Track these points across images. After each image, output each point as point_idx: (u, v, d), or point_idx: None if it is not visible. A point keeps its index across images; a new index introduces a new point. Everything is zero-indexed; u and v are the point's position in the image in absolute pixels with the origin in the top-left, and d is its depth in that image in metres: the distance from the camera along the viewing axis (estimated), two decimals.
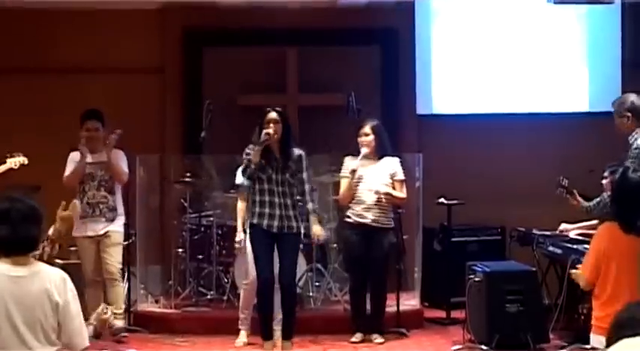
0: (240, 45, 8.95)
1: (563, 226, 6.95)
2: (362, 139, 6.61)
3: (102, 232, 6.74)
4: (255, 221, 6.17)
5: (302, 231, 6.25)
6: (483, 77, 9.02)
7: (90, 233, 6.75)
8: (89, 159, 6.73)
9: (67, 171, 6.81)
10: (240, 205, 6.49)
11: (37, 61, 8.73)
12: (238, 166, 6.64)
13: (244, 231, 6.40)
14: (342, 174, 6.71)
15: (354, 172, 6.53)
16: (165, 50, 9.02)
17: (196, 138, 7.64)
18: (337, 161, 6.97)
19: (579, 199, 6.79)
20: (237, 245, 6.54)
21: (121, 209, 6.86)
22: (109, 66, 8.85)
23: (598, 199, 6.57)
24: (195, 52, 9.01)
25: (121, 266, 6.85)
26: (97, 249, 6.76)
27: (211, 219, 7.82)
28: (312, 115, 8.70)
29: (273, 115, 6.23)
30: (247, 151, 6.22)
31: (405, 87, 8.97)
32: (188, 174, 7.78)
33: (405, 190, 6.72)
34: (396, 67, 9.00)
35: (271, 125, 6.18)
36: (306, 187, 6.23)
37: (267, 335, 6.26)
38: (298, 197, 6.29)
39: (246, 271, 6.60)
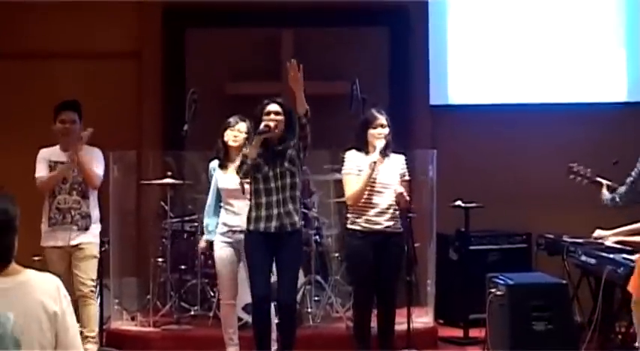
0: (228, 26, 8.95)
1: (598, 232, 6.93)
2: (378, 132, 6.56)
3: (74, 243, 6.60)
4: (251, 227, 6.17)
5: (298, 227, 6.23)
6: (506, 63, 9.01)
7: (60, 243, 6.60)
8: (62, 158, 6.62)
9: (40, 172, 6.64)
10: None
11: None
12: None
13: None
14: (346, 171, 6.66)
15: (375, 164, 6.45)
16: (142, 32, 9.02)
17: (178, 132, 7.62)
18: (339, 158, 6.94)
19: (603, 182, 6.92)
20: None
21: (95, 216, 6.72)
22: (78, 50, 8.87)
23: (624, 187, 6.67)
24: (176, 34, 9.02)
25: (94, 283, 6.72)
26: (68, 263, 6.62)
27: (195, 224, 7.81)
28: (311, 106, 8.62)
29: (274, 106, 6.22)
30: (244, 150, 6.23)
31: (417, 74, 8.97)
32: (169, 173, 7.77)
33: (409, 192, 6.66)
34: (406, 51, 9.00)
35: (272, 117, 6.16)
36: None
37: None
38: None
39: (222, 287, 6.63)
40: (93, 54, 8.87)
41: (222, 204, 6.60)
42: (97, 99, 8.33)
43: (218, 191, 6.66)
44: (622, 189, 6.79)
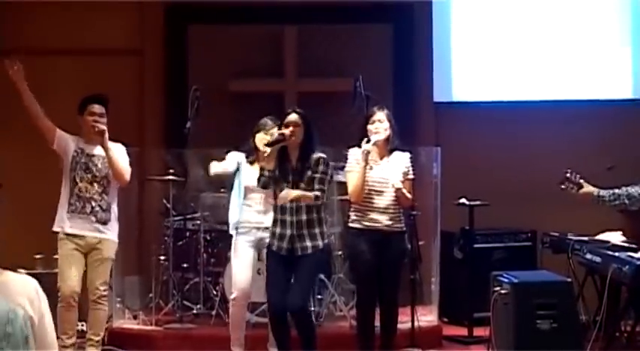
0: (230, 23, 8.96)
1: (606, 235, 6.94)
2: (375, 127, 6.55)
3: (94, 238, 6.46)
4: (269, 242, 6.15)
5: (320, 248, 6.11)
6: (510, 60, 9.00)
7: (78, 231, 6.41)
8: (88, 149, 6.50)
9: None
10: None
11: None
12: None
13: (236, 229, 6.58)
14: (348, 168, 6.66)
15: (367, 154, 6.41)
16: (144, 29, 9.03)
17: (181, 129, 7.62)
18: (342, 156, 6.93)
19: (588, 186, 6.95)
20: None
21: (115, 213, 6.62)
22: (80, 47, 8.88)
23: (616, 190, 6.72)
24: (178, 31, 9.03)
25: (107, 286, 6.61)
26: (83, 260, 6.47)
27: (198, 222, 7.82)
28: (314, 103, 8.65)
29: (293, 117, 6.11)
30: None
31: (421, 71, 8.97)
32: (171, 171, 7.77)
33: (411, 190, 6.63)
34: (410, 48, 9.00)
35: (290, 128, 6.06)
36: (316, 186, 6.11)
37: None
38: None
39: (233, 283, 6.61)
40: (95, 51, 8.88)
41: (243, 201, 6.56)
42: None
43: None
44: (611, 194, 6.86)
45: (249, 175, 6.52)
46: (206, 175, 7.03)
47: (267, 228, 6.35)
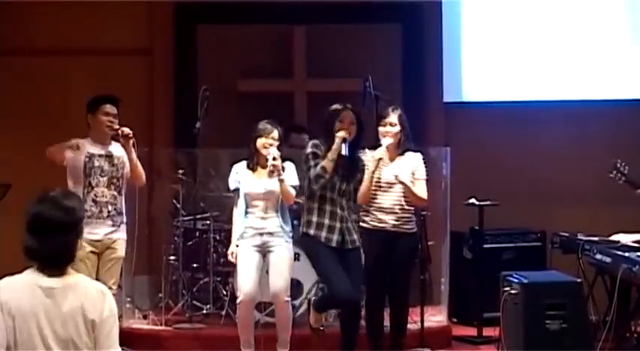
0: (239, 22, 8.97)
1: (619, 237, 6.93)
2: (386, 130, 6.56)
3: (110, 238, 6.46)
4: (312, 232, 6.17)
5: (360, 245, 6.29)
6: (520, 60, 9.00)
7: (93, 237, 6.37)
8: (97, 150, 6.50)
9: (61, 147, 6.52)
10: (236, 212, 6.59)
11: (7, 42, 8.79)
12: (234, 162, 6.68)
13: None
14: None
15: (379, 161, 6.44)
16: (153, 29, 9.05)
17: (190, 129, 7.64)
18: None
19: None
20: (230, 257, 6.62)
21: (125, 215, 6.64)
22: (90, 47, 8.90)
23: None
24: (188, 31, 9.04)
25: (116, 286, 6.63)
26: (96, 262, 6.46)
27: (208, 222, 7.83)
28: (323, 103, 8.63)
29: (348, 114, 6.23)
30: (313, 149, 6.20)
31: (431, 71, 8.97)
32: (181, 171, 7.79)
33: (425, 190, 6.63)
34: (420, 47, 9.00)
35: (346, 126, 6.17)
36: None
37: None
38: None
39: (238, 286, 6.63)
40: (104, 51, 8.90)
41: (247, 208, 6.56)
42: None
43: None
44: None
45: (251, 182, 6.53)
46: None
47: (269, 233, 6.43)
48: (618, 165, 7.16)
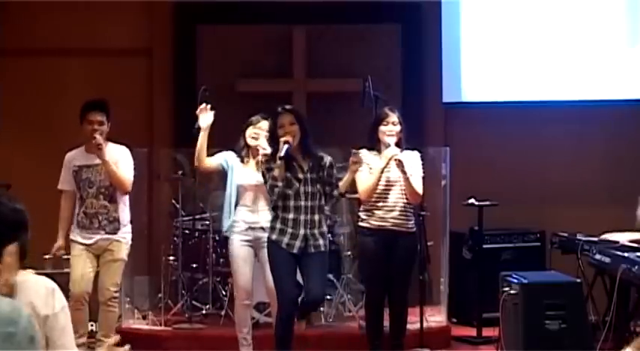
0: (239, 22, 8.97)
1: (613, 236, 6.93)
2: (388, 129, 6.56)
3: (104, 241, 6.49)
4: (274, 237, 6.11)
5: (327, 249, 6.19)
6: (520, 60, 9.00)
7: (88, 241, 6.48)
8: (87, 161, 6.52)
9: (62, 183, 6.58)
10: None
11: (7, 43, 8.79)
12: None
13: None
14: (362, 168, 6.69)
15: (392, 158, 6.41)
16: (152, 29, 9.05)
17: (189, 129, 7.63)
18: (350, 156, 6.93)
19: None
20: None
21: (125, 218, 6.60)
22: (89, 47, 8.91)
23: None
24: (187, 31, 9.04)
25: (117, 288, 6.65)
26: (95, 262, 6.52)
27: (207, 223, 7.83)
28: (323, 103, 8.72)
29: (286, 117, 6.08)
30: (265, 165, 6.10)
31: (430, 71, 8.97)
32: (180, 171, 7.80)
33: (421, 186, 6.61)
34: (419, 48, 9.00)
35: (286, 129, 6.03)
36: (335, 192, 6.20)
37: None
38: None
39: (234, 283, 6.63)
40: (104, 51, 8.91)
41: (238, 201, 6.57)
42: (107, 96, 8.28)
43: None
44: None
45: (242, 174, 6.53)
46: (193, 168, 6.95)
47: (261, 227, 6.40)
48: None
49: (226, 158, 6.62)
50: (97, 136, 6.39)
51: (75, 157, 6.59)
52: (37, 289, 3.26)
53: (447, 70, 8.97)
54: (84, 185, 6.51)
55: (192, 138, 7.53)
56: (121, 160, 6.55)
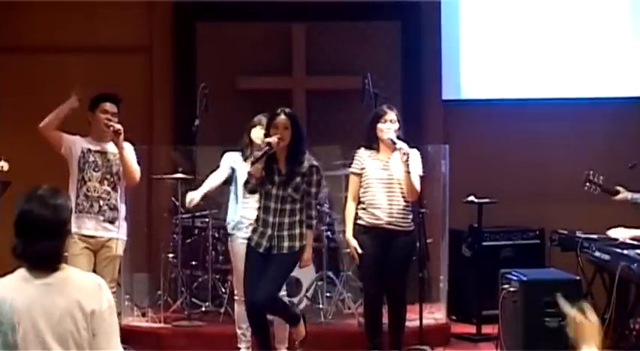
0: (239, 20, 8.97)
1: (615, 232, 6.94)
2: (386, 126, 6.55)
3: (102, 237, 6.45)
4: (249, 234, 6.17)
5: (296, 250, 6.10)
6: (519, 57, 9.00)
7: (85, 232, 6.40)
8: (97, 147, 6.51)
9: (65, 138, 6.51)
10: (214, 175, 6.67)
11: (6, 39, 8.79)
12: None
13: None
14: (352, 169, 6.68)
15: (408, 155, 6.41)
16: (152, 26, 9.05)
17: (189, 127, 7.64)
18: (349, 153, 6.93)
19: (622, 190, 6.96)
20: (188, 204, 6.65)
21: (123, 212, 6.59)
22: (88, 44, 8.91)
23: None
24: (187, 28, 9.04)
25: (115, 283, 6.63)
26: (93, 259, 6.46)
27: (206, 220, 7.83)
28: (322, 101, 8.72)
29: (282, 119, 6.03)
30: (254, 158, 6.07)
31: (429, 68, 8.97)
32: (180, 168, 7.79)
33: (419, 184, 6.60)
34: (418, 45, 9.00)
35: (279, 131, 5.99)
36: (312, 202, 6.15)
37: None
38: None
39: (238, 283, 6.61)
40: (103, 48, 8.90)
41: (242, 199, 6.56)
42: None
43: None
44: None
45: (246, 173, 6.52)
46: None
47: None
48: (591, 177, 7.29)
49: (230, 164, 6.64)
50: (116, 125, 6.42)
51: (84, 141, 6.54)
52: (82, 285, 3.25)
53: (446, 68, 8.97)
54: (88, 168, 6.47)
55: (191, 136, 7.57)
56: (131, 155, 6.56)
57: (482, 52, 9.02)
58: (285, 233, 6.05)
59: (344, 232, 7.46)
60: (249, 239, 6.12)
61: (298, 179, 6.03)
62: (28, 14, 8.84)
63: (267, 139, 5.98)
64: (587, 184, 7.31)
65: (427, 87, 8.97)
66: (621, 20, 9.01)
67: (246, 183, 6.08)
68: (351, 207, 6.59)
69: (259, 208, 6.12)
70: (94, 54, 8.89)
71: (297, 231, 6.08)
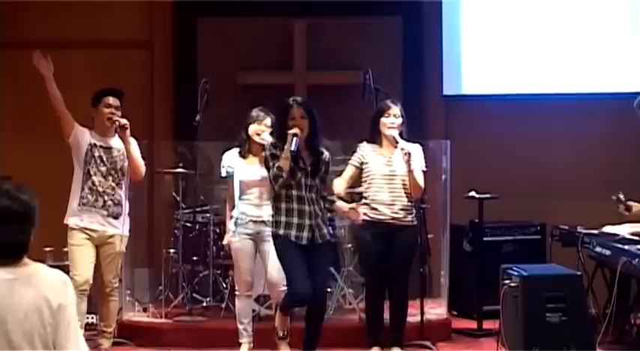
0: (239, 15, 8.97)
1: (608, 229, 6.94)
2: (390, 121, 6.55)
3: (106, 232, 6.48)
4: (281, 232, 6.05)
5: (333, 239, 6.23)
6: (520, 52, 8.99)
7: (89, 225, 6.43)
8: (101, 142, 6.51)
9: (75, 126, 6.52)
10: (229, 201, 6.64)
11: (7, 35, 8.78)
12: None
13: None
14: (352, 161, 6.70)
15: (409, 154, 6.41)
16: (153, 21, 9.05)
17: (190, 122, 7.63)
18: (351, 148, 6.93)
19: (637, 205, 6.92)
20: (227, 247, 6.67)
21: (127, 208, 6.62)
22: (89, 40, 8.91)
23: None
24: (187, 24, 9.05)
25: (117, 279, 6.67)
26: (96, 251, 6.50)
27: (208, 215, 7.83)
28: (323, 96, 8.69)
29: (299, 109, 6.04)
30: (271, 150, 6.04)
31: (431, 64, 8.97)
32: (181, 164, 7.79)
33: (422, 179, 6.61)
34: (420, 40, 9.00)
35: (297, 122, 5.99)
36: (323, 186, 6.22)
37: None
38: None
39: (239, 279, 6.62)
40: (104, 44, 8.91)
41: (241, 195, 6.55)
42: None
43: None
44: None
45: (245, 170, 6.52)
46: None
47: (264, 221, 6.40)
48: (616, 198, 7.12)
49: (229, 164, 6.63)
50: (121, 119, 6.44)
51: (91, 135, 6.54)
52: (50, 281, 3.24)
53: (447, 63, 8.96)
54: (95, 162, 6.48)
55: (192, 131, 7.56)
56: (136, 150, 6.60)
57: (484, 47, 9.01)
58: (321, 220, 6.08)
59: (344, 227, 7.48)
60: (285, 235, 6.02)
61: (323, 168, 6.10)
62: (30, 10, 8.84)
63: (292, 131, 5.96)
64: (620, 205, 7.15)
65: (428, 82, 8.97)
66: (619, 16, 9.00)
67: (276, 178, 5.97)
68: (337, 182, 6.54)
69: (287, 199, 6.04)
70: (95, 49, 8.90)
71: (326, 216, 6.19)
